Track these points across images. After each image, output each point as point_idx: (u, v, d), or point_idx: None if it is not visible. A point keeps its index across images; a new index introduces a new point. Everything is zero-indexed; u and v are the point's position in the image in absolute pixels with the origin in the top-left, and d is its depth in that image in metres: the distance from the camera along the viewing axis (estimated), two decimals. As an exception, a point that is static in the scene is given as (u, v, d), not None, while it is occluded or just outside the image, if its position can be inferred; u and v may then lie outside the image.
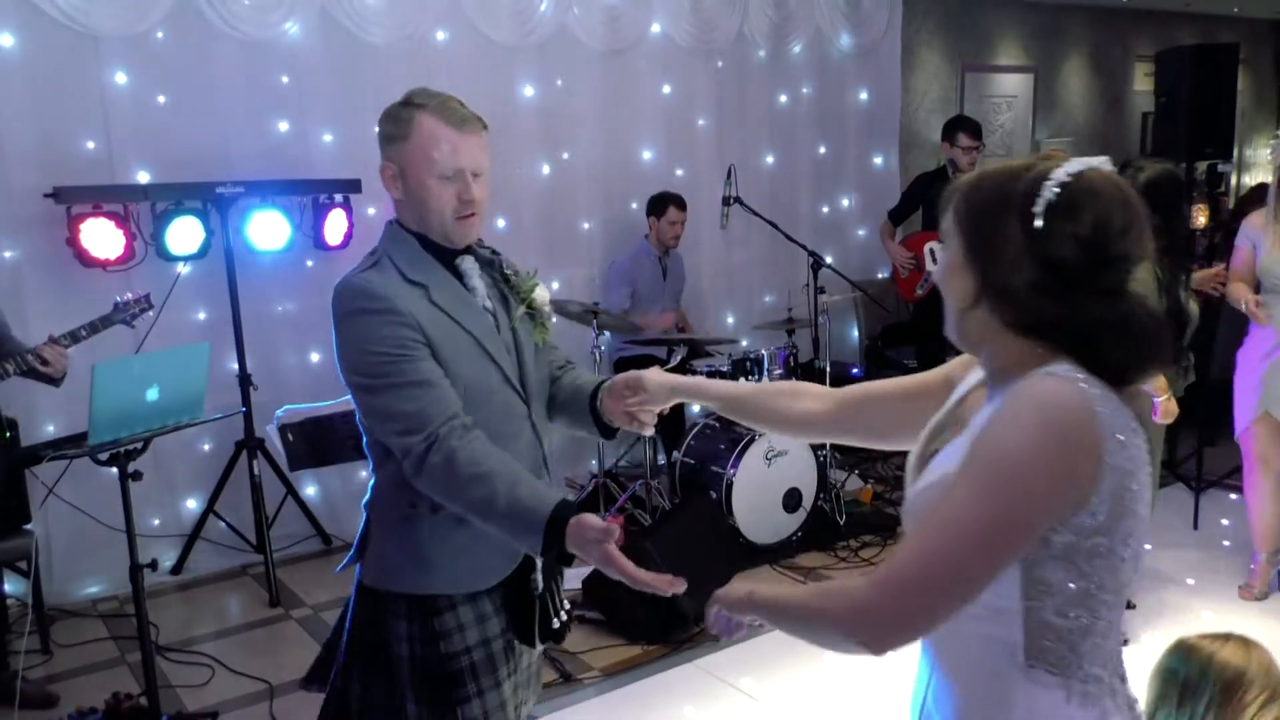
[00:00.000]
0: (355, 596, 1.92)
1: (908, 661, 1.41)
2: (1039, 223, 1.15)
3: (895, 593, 1.15)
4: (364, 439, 1.88)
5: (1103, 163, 1.20)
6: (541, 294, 1.97)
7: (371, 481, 1.90)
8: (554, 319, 2.01)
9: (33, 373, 3.31)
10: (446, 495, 1.72)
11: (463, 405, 1.75)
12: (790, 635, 1.29)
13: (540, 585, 1.88)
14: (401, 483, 1.75)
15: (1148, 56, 8.46)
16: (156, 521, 4.54)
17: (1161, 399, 3.40)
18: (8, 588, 3.64)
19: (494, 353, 1.83)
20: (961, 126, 5.41)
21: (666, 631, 3.77)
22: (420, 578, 1.82)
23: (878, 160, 6.84)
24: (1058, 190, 1.15)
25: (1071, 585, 1.18)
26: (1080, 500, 1.14)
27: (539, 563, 1.87)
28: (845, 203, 6.73)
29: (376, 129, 1.85)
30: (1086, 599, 1.19)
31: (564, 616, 1.96)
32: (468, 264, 1.88)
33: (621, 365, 5.24)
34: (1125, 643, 1.53)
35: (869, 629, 1.17)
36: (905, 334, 6.14)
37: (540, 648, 1.95)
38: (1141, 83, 8.78)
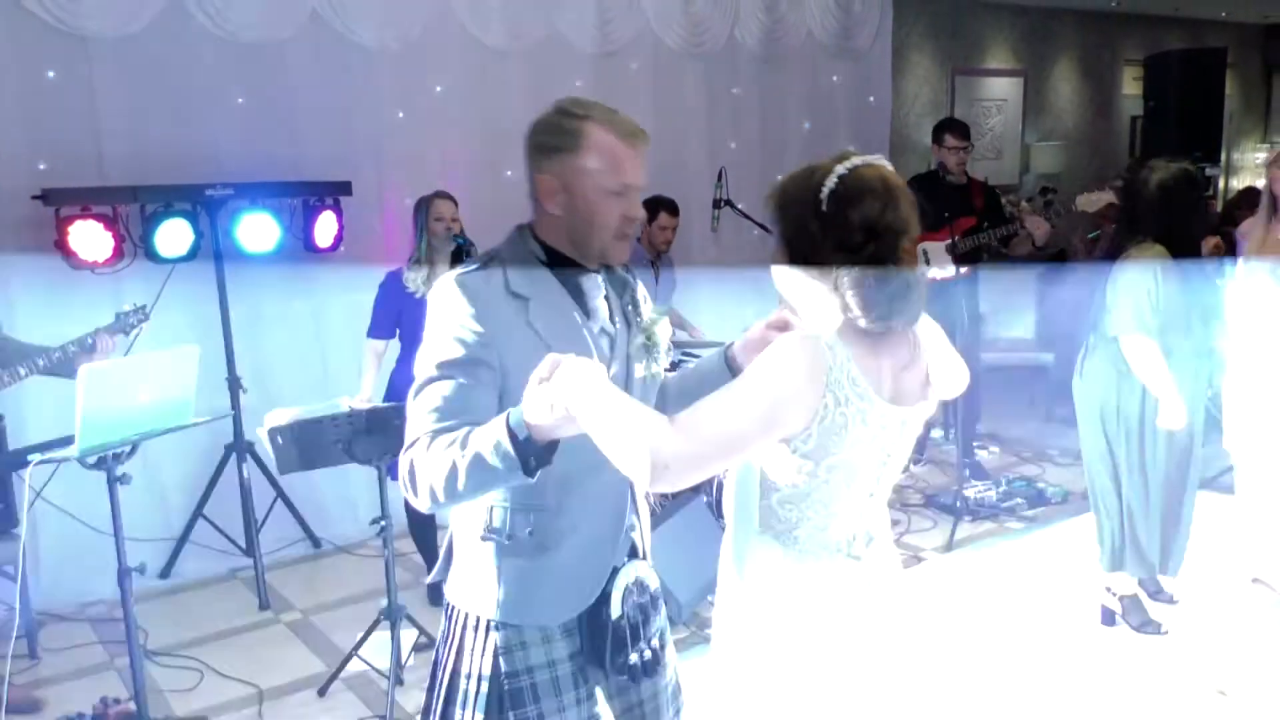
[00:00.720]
0: (445, 613, 1.88)
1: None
2: (824, 208, 1.53)
3: (685, 445, 1.47)
4: None
5: (876, 158, 1.59)
6: (665, 329, 1.88)
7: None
8: (667, 359, 1.91)
9: (57, 368, 3.30)
10: (432, 494, 1.61)
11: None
12: (606, 438, 1.49)
13: (619, 611, 1.79)
14: (483, 503, 1.75)
15: (1136, 61, 8.50)
16: (146, 525, 4.52)
17: (1166, 405, 3.38)
18: (-6, 592, 3.62)
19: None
20: (948, 128, 5.40)
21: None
22: (487, 601, 1.78)
23: (868, 163, 6.84)
24: (836, 182, 1.54)
25: (784, 489, 1.65)
26: (802, 421, 1.53)
27: (617, 593, 1.80)
28: (836, 206, 6.73)
29: (529, 139, 1.77)
30: (797, 500, 1.66)
31: (645, 654, 1.83)
32: (591, 282, 1.79)
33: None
34: None
35: (659, 472, 1.45)
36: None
37: (615, 679, 1.83)
38: (1130, 87, 8.82)
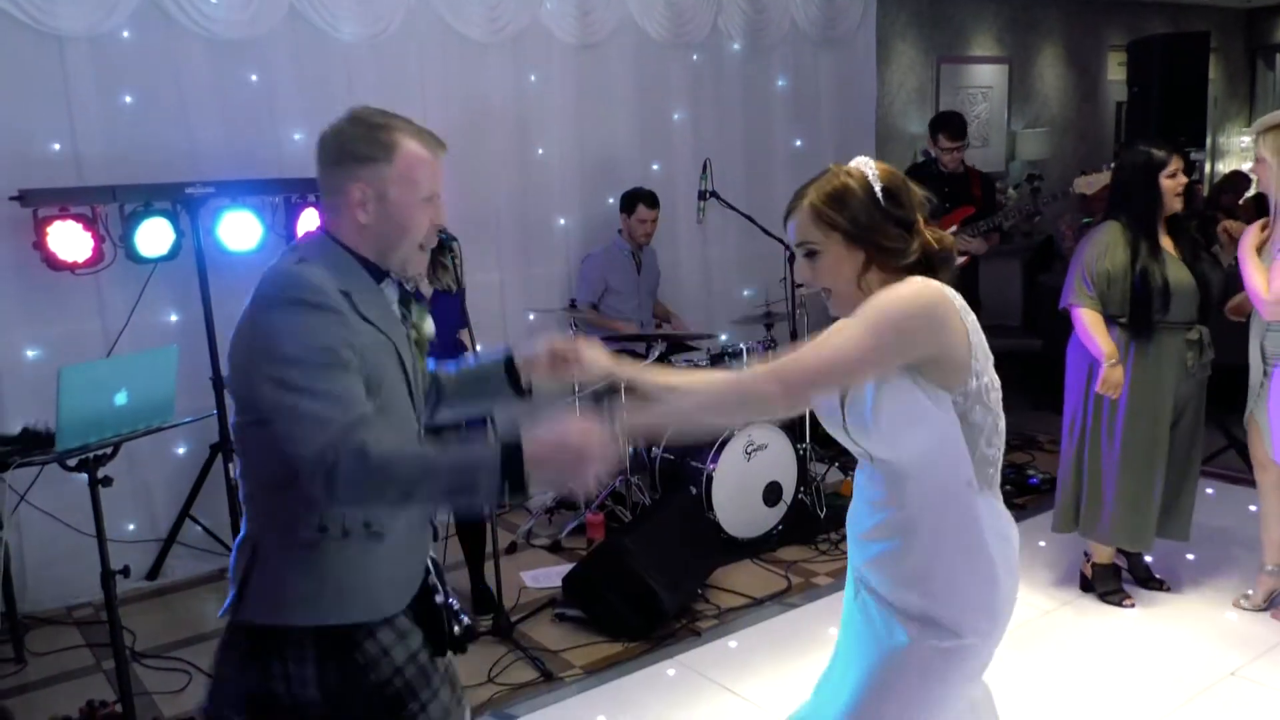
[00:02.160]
0: (228, 644, 1.75)
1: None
2: (883, 201, 1.83)
3: (805, 375, 1.80)
4: (242, 464, 1.77)
5: (867, 158, 1.96)
6: (429, 327, 1.92)
7: (245, 513, 1.76)
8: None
9: None
10: (370, 492, 1.57)
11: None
12: (697, 426, 2.08)
13: (442, 593, 1.87)
14: (308, 504, 1.62)
15: (1120, 46, 8.50)
16: (131, 526, 4.49)
17: (1106, 365, 3.51)
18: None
19: (410, 373, 1.79)
20: (942, 127, 5.32)
21: (648, 628, 3.76)
22: (335, 608, 1.69)
23: (854, 153, 6.81)
24: (879, 180, 1.86)
25: (983, 422, 1.80)
26: (956, 360, 1.74)
27: (432, 572, 1.88)
28: (822, 195, 6.71)
29: (333, 149, 1.75)
30: (992, 432, 1.82)
31: (465, 621, 1.92)
32: (390, 286, 1.81)
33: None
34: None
35: (786, 392, 1.78)
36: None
37: (448, 657, 1.89)
38: (1115, 72, 8.83)
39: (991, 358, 1.82)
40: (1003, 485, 5.20)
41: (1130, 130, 5.65)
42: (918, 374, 1.74)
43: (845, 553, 4.42)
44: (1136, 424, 3.64)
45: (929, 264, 1.82)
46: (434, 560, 1.93)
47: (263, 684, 1.68)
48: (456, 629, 1.89)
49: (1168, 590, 3.95)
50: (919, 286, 1.76)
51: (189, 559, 4.57)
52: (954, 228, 5.16)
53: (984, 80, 7.92)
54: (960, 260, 5.45)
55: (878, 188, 1.84)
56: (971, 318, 1.78)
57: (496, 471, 1.56)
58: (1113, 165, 5.05)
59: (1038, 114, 8.41)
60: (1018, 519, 4.97)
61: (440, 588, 1.89)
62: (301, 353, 1.59)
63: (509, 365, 2.02)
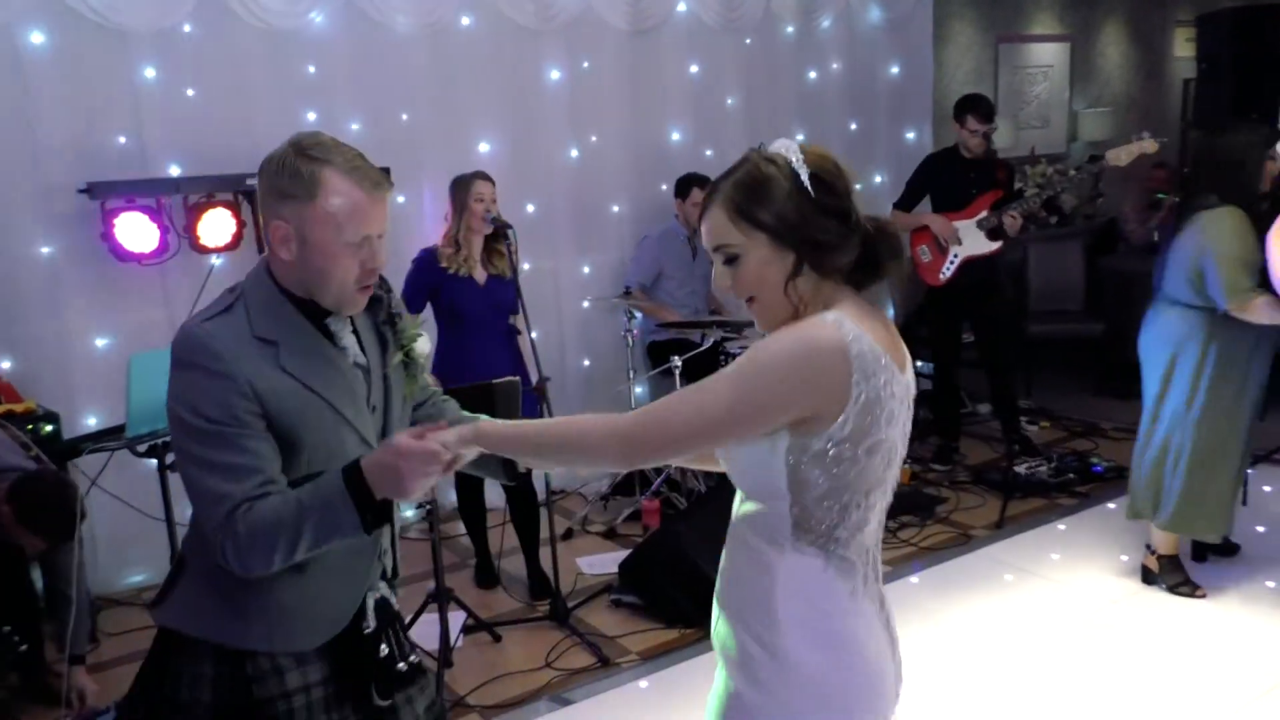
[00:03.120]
0: (154, 644, 1.79)
1: (929, 645, 1.58)
2: (811, 191, 1.50)
3: (650, 430, 1.51)
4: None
5: (792, 142, 1.58)
6: (423, 345, 1.85)
7: (190, 517, 1.75)
8: (428, 375, 1.88)
9: None
10: (264, 554, 1.59)
11: (300, 464, 1.66)
12: (538, 463, 1.79)
13: (372, 625, 1.78)
14: None
15: (1188, 21, 8.27)
16: (196, 511, 4.59)
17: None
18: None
19: (350, 416, 1.71)
20: (970, 108, 5.12)
21: (703, 614, 3.75)
22: (234, 630, 1.70)
23: (910, 136, 6.74)
24: (806, 168, 1.52)
25: (821, 482, 1.50)
26: (829, 415, 1.45)
27: (370, 604, 1.78)
28: (877, 179, 6.64)
29: (261, 180, 1.68)
30: (834, 494, 1.51)
31: (411, 658, 1.83)
32: (337, 324, 1.73)
33: (654, 349, 5.22)
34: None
35: (626, 448, 1.53)
36: (928, 319, 6.05)
37: (385, 703, 1.79)
38: (1182, 49, 8.58)
39: (899, 423, 1.53)
40: (1066, 473, 5.14)
41: (1199, 108, 5.49)
42: None
43: (901, 540, 4.41)
44: (1220, 412, 3.54)
45: (873, 259, 1.54)
46: (385, 599, 1.83)
47: (168, 682, 1.72)
48: (403, 665, 1.81)
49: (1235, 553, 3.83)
50: (812, 332, 1.46)
51: (252, 543, 4.66)
52: (984, 213, 5.06)
53: (1044, 59, 7.75)
54: (994, 247, 5.32)
55: (804, 175, 1.51)
56: (888, 376, 1.48)
57: (345, 494, 1.58)
58: (1145, 134, 4.87)
59: (1100, 93, 8.22)
60: (1081, 507, 4.90)
61: (375, 625, 1.78)
62: (197, 422, 1.59)
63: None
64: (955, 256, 5.17)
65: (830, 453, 1.48)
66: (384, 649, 1.79)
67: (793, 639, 1.53)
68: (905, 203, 5.41)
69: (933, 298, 5.43)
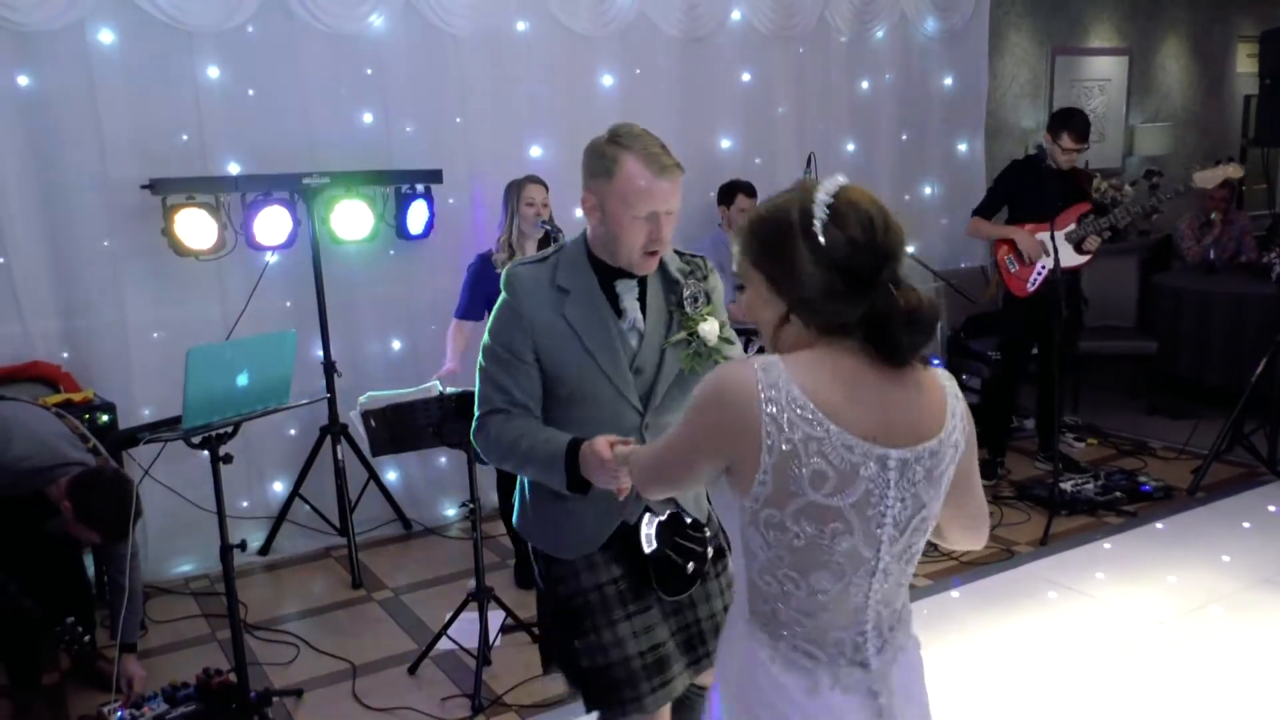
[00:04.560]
0: None
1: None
2: (822, 239, 1.35)
3: (640, 476, 1.63)
4: None
5: (842, 179, 1.42)
6: (709, 328, 2.10)
7: None
8: (715, 355, 2.11)
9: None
10: (496, 461, 2.10)
11: (562, 399, 2.06)
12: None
13: (654, 544, 2.07)
14: None
15: (1252, 37, 8.11)
16: (245, 503, 4.68)
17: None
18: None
19: (608, 369, 2.04)
20: (1067, 125, 4.97)
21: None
22: (539, 536, 2.18)
23: (962, 147, 6.68)
24: (828, 207, 1.37)
25: (760, 553, 1.42)
26: (742, 462, 1.37)
27: (645, 528, 2.07)
28: (928, 191, 6.60)
29: (583, 158, 2.03)
30: (770, 567, 1.42)
31: (685, 574, 2.09)
32: (623, 286, 2.07)
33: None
34: None
35: (640, 487, 1.65)
36: (989, 325, 5.98)
37: (667, 599, 2.13)
38: (1244, 64, 8.42)
39: (849, 495, 1.37)
40: (1113, 491, 5.05)
41: (1261, 124, 5.38)
42: None
43: (943, 554, 4.37)
44: None
45: (881, 329, 1.37)
46: (675, 517, 2.09)
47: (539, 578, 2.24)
48: (689, 568, 2.08)
49: None
50: (727, 372, 1.40)
51: (298, 537, 4.74)
52: (1071, 225, 4.98)
53: (1101, 73, 7.64)
54: (1082, 260, 5.20)
55: (819, 227, 1.36)
56: (817, 434, 1.34)
57: (561, 463, 1.95)
58: (1230, 159, 4.80)
59: (1158, 108, 8.09)
60: (1128, 526, 4.81)
61: (653, 540, 2.07)
62: (490, 339, 2.07)
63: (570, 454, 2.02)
64: (1043, 268, 5.07)
65: (761, 514, 1.39)
66: (675, 558, 2.08)
67: None
68: (986, 209, 5.30)
69: (1014, 310, 5.30)
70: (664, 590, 2.10)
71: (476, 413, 2.10)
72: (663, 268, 2.12)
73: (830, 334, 1.40)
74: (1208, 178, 4.84)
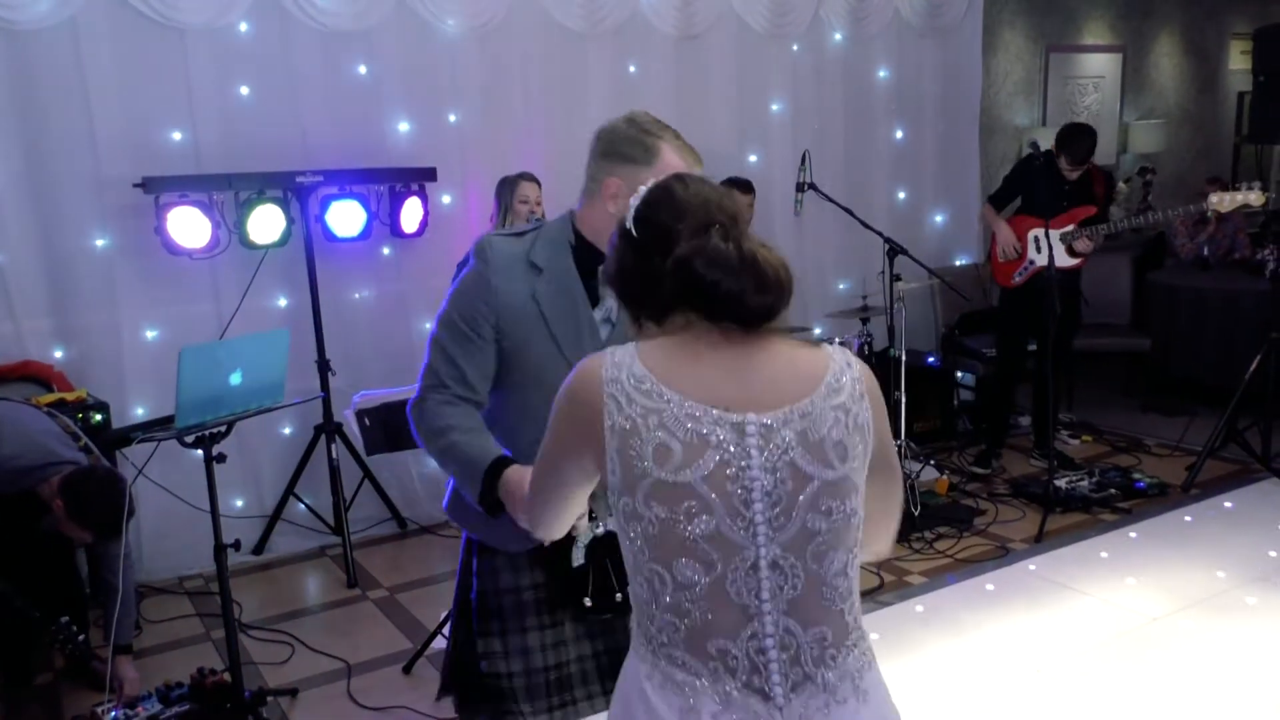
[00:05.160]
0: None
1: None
2: (635, 231, 1.39)
3: (528, 507, 1.53)
4: None
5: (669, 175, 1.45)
6: None
7: None
8: None
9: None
10: (423, 443, 1.96)
11: (515, 382, 1.95)
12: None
13: (580, 560, 1.95)
14: None
15: (1245, 34, 8.12)
16: (239, 503, 4.67)
17: None
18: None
19: (570, 355, 1.88)
20: (1065, 148, 4.97)
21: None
22: (470, 521, 2.04)
23: (956, 145, 6.68)
24: (638, 202, 1.41)
25: (629, 552, 1.32)
26: (596, 455, 1.31)
27: (578, 539, 1.94)
28: (922, 188, 6.60)
29: (604, 143, 1.94)
30: (638, 565, 1.30)
31: (609, 599, 1.96)
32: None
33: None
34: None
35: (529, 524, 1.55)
36: (984, 322, 5.99)
37: (595, 617, 2.00)
38: (1238, 61, 8.43)
39: (702, 470, 1.26)
40: (1108, 488, 5.09)
41: (1255, 122, 5.38)
42: None
43: (937, 551, 4.38)
44: None
45: (686, 283, 1.31)
46: (595, 540, 1.96)
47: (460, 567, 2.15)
48: (588, 601, 1.96)
49: None
50: (583, 363, 1.36)
51: (293, 536, 4.73)
52: (1070, 226, 4.99)
53: (1095, 70, 7.65)
54: (1072, 263, 5.23)
55: (630, 216, 1.41)
56: (662, 406, 1.27)
57: (480, 479, 1.85)
58: (1256, 185, 4.72)
59: (1152, 105, 8.10)
60: (1123, 523, 4.83)
61: (579, 555, 1.95)
62: (449, 306, 1.95)
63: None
64: (1031, 264, 5.12)
65: (618, 507, 1.31)
66: (603, 577, 1.97)
67: None
68: (999, 200, 5.39)
69: (1006, 302, 5.37)
70: (579, 611, 1.98)
71: (419, 384, 1.97)
72: None
73: (663, 316, 1.35)
74: (1225, 201, 4.78)
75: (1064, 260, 4.99)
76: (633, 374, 1.29)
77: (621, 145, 1.91)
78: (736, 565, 1.27)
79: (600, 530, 1.94)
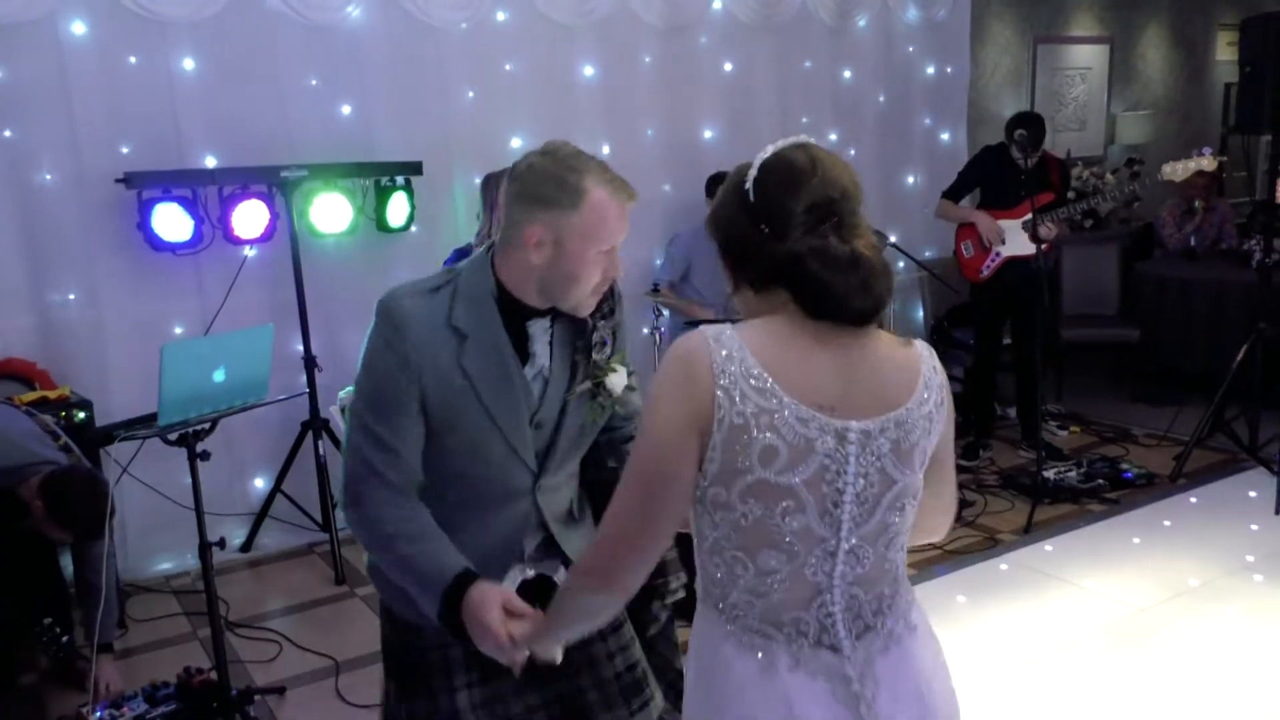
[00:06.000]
0: None
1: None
2: (752, 197, 1.35)
3: (609, 550, 1.37)
4: None
5: (800, 138, 1.40)
6: (616, 380, 1.86)
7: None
8: (614, 406, 1.90)
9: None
10: (366, 544, 1.79)
11: (446, 449, 1.75)
12: (573, 634, 1.59)
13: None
14: None
15: (1231, 25, 8.13)
16: (226, 500, 4.64)
17: None
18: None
19: (505, 426, 1.75)
20: (1016, 129, 4.92)
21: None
22: (389, 593, 1.88)
23: (945, 136, 6.68)
24: (761, 165, 1.37)
25: (709, 533, 1.36)
26: (704, 440, 1.29)
27: (507, 586, 1.77)
28: (911, 180, 6.59)
29: (520, 184, 1.71)
30: (719, 550, 1.35)
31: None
32: (538, 328, 1.79)
33: (683, 346, 5.21)
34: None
35: (605, 582, 1.39)
36: (972, 314, 6.00)
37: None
38: (1224, 52, 8.45)
39: (801, 473, 1.30)
40: (1096, 478, 5.10)
41: (1241, 113, 5.39)
42: None
43: (928, 543, 4.36)
44: None
45: (802, 273, 1.33)
46: (527, 582, 1.80)
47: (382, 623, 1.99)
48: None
49: None
50: (681, 343, 1.34)
51: (280, 533, 4.71)
52: (1030, 215, 5.00)
53: (1083, 61, 7.65)
54: (1034, 250, 5.25)
55: (750, 179, 1.37)
56: (770, 406, 1.29)
57: (438, 600, 1.67)
58: (1206, 151, 4.82)
59: (1139, 96, 8.11)
60: (1111, 513, 4.83)
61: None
62: (368, 381, 1.73)
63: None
64: (997, 255, 5.17)
65: (708, 494, 1.33)
66: None
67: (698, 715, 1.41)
68: (955, 193, 5.42)
69: (976, 296, 5.43)
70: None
71: (346, 477, 1.74)
72: (556, 313, 1.80)
73: (763, 288, 1.37)
74: (1178, 170, 4.86)
75: (1026, 248, 5.02)
76: (745, 367, 1.29)
77: (541, 186, 1.67)
78: (817, 554, 1.35)
79: (530, 573, 1.79)
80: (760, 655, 1.36)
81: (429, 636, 1.82)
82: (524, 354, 1.78)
